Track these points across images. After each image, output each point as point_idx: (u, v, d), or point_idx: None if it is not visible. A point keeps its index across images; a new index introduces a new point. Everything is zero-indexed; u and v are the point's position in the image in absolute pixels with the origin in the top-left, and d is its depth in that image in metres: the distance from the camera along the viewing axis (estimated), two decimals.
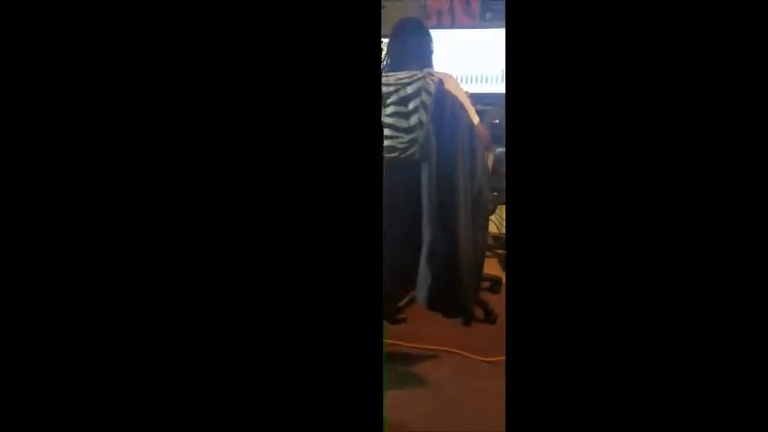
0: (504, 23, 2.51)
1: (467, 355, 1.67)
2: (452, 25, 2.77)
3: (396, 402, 1.38)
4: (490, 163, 1.92)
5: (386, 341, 1.57)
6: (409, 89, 1.53)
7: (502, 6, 2.72)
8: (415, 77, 1.54)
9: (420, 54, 1.65)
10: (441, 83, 1.53)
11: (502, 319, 1.91)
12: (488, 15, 2.73)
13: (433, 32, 2.57)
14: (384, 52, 1.63)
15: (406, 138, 1.55)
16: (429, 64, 1.68)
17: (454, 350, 1.69)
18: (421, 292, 1.55)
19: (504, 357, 1.62)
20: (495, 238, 2.78)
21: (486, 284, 2.15)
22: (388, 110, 1.55)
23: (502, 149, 2.04)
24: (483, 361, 1.64)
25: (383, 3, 0.81)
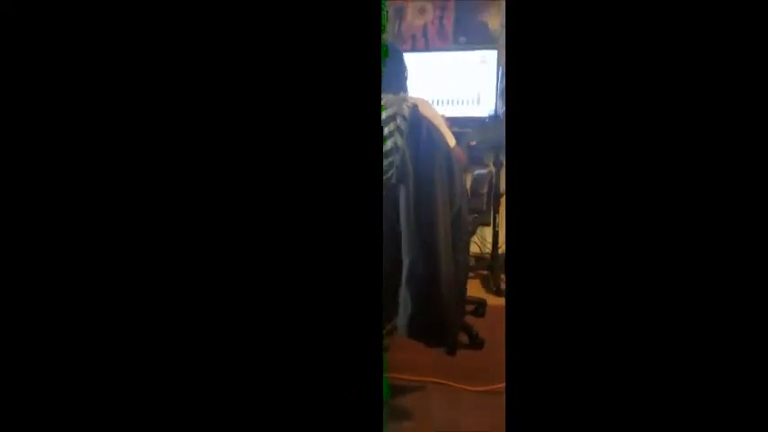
0: (477, 46, 2.53)
1: (453, 384, 1.62)
2: (427, 49, 2.79)
3: None
4: (468, 184, 1.90)
5: None
6: (384, 114, 1.51)
7: (475, 30, 2.76)
8: (389, 103, 1.52)
9: (395, 79, 1.65)
10: (416, 107, 1.52)
11: (488, 345, 1.88)
12: (462, 39, 2.77)
13: (409, 56, 2.59)
14: None
15: (383, 162, 1.52)
16: (404, 89, 1.67)
17: (440, 380, 1.65)
18: (402, 320, 1.50)
19: (493, 386, 1.59)
20: (478, 258, 2.76)
21: (469, 307, 2.11)
22: None
23: (480, 171, 2.03)
24: (471, 390, 1.60)
25: None
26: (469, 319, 2.00)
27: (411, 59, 2.56)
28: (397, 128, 1.48)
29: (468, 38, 2.77)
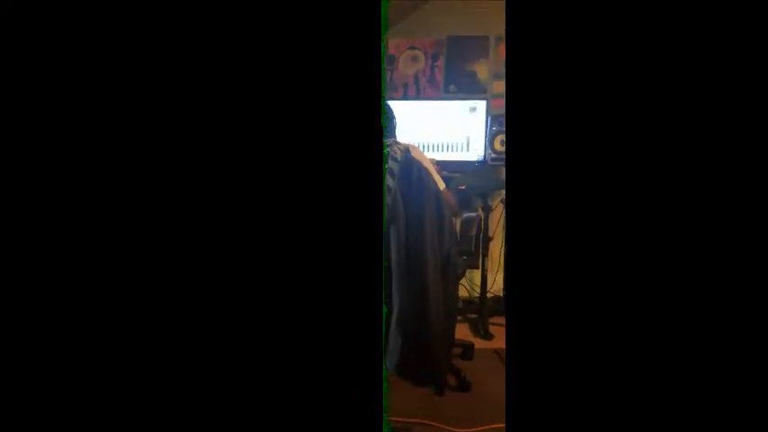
0: (467, 96, 2.61)
1: (441, 426, 1.60)
2: (418, 97, 2.89)
3: None
4: (458, 227, 1.94)
5: None
6: None
7: (465, 79, 2.87)
8: None
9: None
10: (407, 150, 1.57)
11: (475, 388, 1.87)
12: (452, 87, 2.87)
13: (400, 104, 2.69)
14: None
15: None
16: (392, 135, 1.73)
17: (427, 421, 1.63)
18: (391, 359, 1.50)
19: (479, 428, 1.57)
20: (466, 302, 2.77)
21: (457, 351, 2.11)
22: None
23: (469, 214, 2.07)
24: None
25: None
26: (457, 362, 1.99)
27: (403, 107, 2.65)
28: (389, 170, 1.53)
29: (458, 87, 2.87)
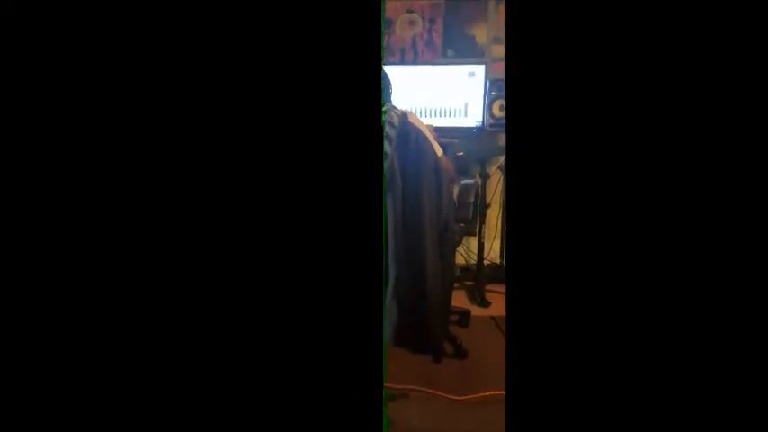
0: (465, 60, 2.55)
1: (437, 393, 1.62)
2: (415, 61, 2.82)
3: None
4: (455, 195, 1.92)
5: None
6: None
7: (463, 43, 2.80)
8: None
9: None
10: (405, 115, 1.53)
11: (472, 355, 1.88)
12: (450, 53, 2.80)
13: (397, 68, 2.62)
14: None
15: None
16: (388, 101, 1.69)
17: (424, 389, 1.64)
18: (388, 328, 1.50)
19: (476, 395, 1.59)
20: (463, 269, 2.77)
21: (454, 318, 2.12)
22: None
23: (466, 181, 2.05)
24: (453, 399, 1.59)
25: None
26: (454, 330, 2.00)
27: (400, 72, 2.59)
28: (386, 135, 1.49)
29: (456, 51, 2.80)
